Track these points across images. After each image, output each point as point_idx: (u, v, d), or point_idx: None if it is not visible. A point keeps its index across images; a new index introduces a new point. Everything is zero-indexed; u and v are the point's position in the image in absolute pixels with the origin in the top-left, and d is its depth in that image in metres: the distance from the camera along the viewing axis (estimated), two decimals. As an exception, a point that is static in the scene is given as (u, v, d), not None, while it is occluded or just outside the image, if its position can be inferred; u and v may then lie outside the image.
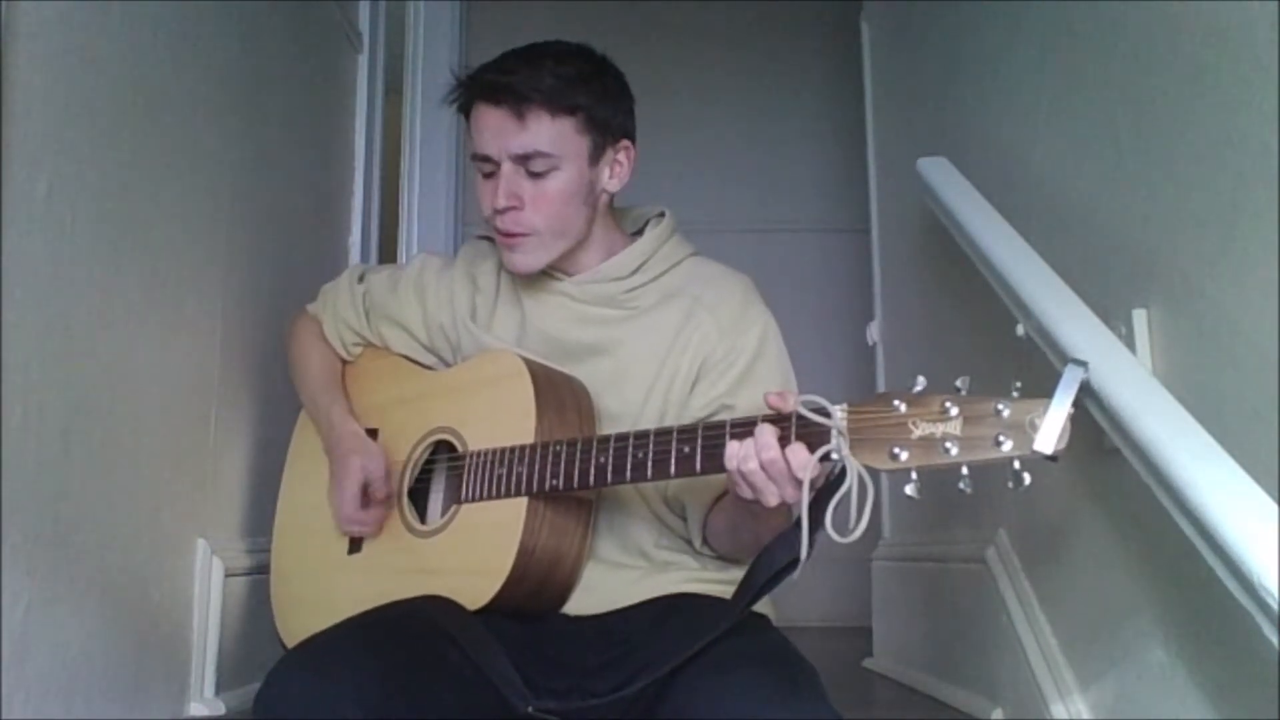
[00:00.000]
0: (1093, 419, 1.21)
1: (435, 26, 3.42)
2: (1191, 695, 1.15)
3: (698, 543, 1.28)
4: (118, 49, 1.42)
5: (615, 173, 1.32)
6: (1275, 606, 0.89)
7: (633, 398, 1.29)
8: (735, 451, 1.02)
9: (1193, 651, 1.16)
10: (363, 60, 2.58)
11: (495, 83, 1.25)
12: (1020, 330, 1.44)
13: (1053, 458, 0.89)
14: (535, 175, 1.26)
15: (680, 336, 1.30)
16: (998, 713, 1.67)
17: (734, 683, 0.98)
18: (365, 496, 1.33)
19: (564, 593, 1.24)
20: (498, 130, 1.25)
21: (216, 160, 1.74)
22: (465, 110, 1.31)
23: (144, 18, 1.49)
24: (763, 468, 1.00)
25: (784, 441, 1.00)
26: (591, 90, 1.27)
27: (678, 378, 1.29)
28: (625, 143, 1.32)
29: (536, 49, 1.29)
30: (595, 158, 1.29)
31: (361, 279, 1.50)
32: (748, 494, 1.03)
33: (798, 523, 0.99)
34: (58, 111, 1.27)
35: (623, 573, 1.27)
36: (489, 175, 1.28)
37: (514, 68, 1.26)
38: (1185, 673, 1.17)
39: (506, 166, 1.25)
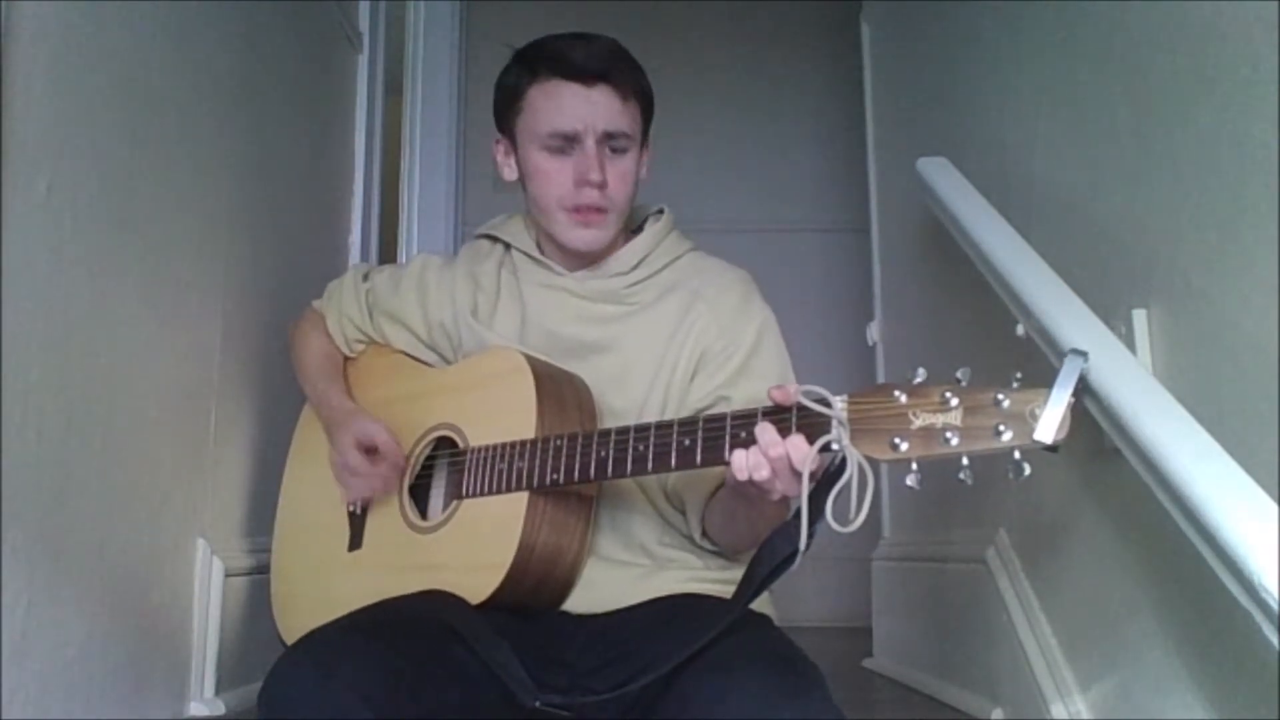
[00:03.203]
0: (1093, 419, 1.21)
1: (435, 26, 3.43)
2: (1191, 695, 1.15)
3: (697, 535, 1.28)
4: (118, 49, 1.42)
5: (644, 164, 1.38)
6: (1275, 607, 0.89)
7: (636, 394, 1.29)
8: (744, 463, 1.01)
9: (1193, 651, 1.16)
10: (363, 60, 2.59)
11: (597, 66, 1.28)
12: (1020, 330, 1.44)
13: (1053, 448, 0.89)
14: (615, 153, 1.30)
15: (679, 330, 1.31)
16: (998, 713, 1.67)
17: (738, 682, 0.98)
18: (371, 456, 1.32)
19: (565, 589, 1.24)
20: (592, 106, 1.28)
21: (216, 160, 1.74)
22: (520, 86, 1.32)
23: (144, 18, 1.49)
24: (772, 467, 1.00)
25: (784, 433, 1.00)
26: (647, 81, 1.35)
27: (677, 370, 1.30)
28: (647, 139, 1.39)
29: (592, 36, 1.32)
30: (642, 145, 1.35)
31: (366, 277, 1.52)
32: (753, 491, 1.03)
33: (798, 514, 0.99)
34: (58, 111, 1.27)
35: (624, 570, 1.27)
36: (561, 151, 1.30)
37: (600, 53, 1.29)
38: (1185, 673, 1.17)
39: (591, 143, 1.28)
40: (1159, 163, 1.23)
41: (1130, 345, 1.25)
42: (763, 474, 1.00)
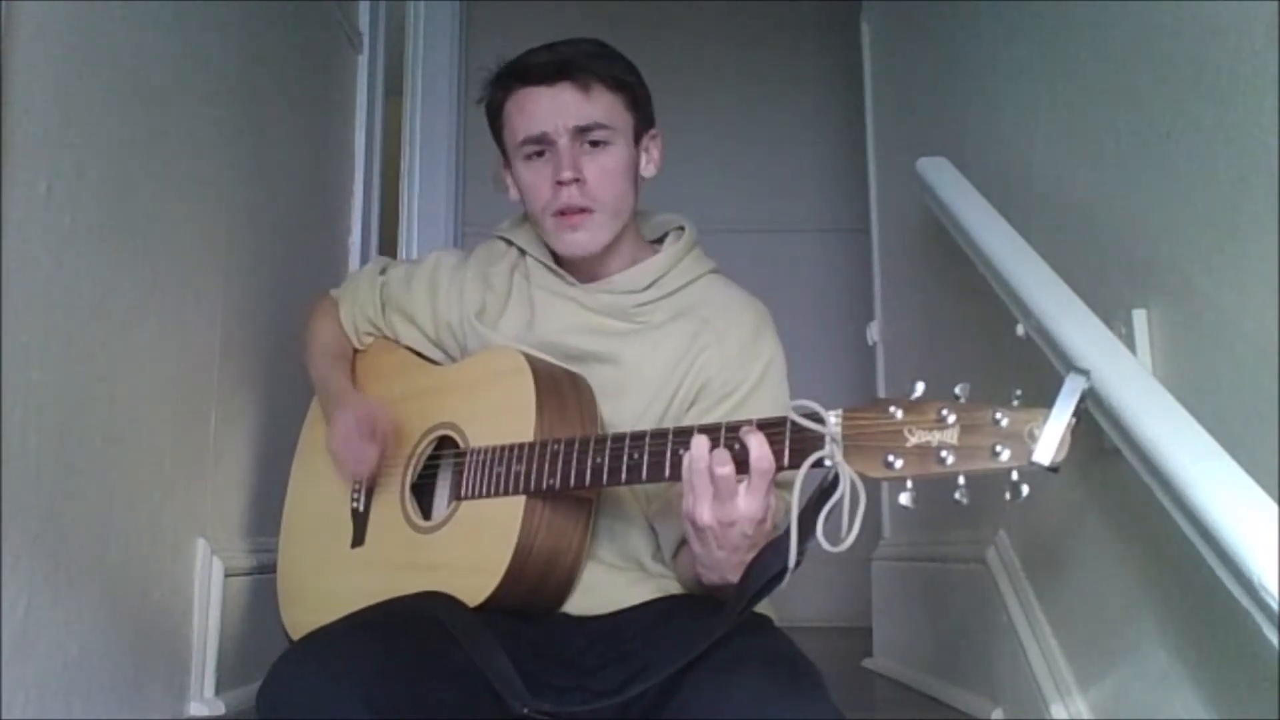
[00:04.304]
0: (1093, 419, 1.21)
1: (435, 26, 3.42)
2: (1191, 695, 1.15)
3: (672, 571, 1.28)
4: (118, 49, 1.42)
5: (650, 158, 1.36)
6: (1275, 607, 0.89)
7: (629, 410, 1.28)
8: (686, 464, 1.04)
9: (1193, 651, 1.16)
10: (363, 60, 2.59)
11: (553, 62, 1.27)
12: (1020, 330, 1.44)
13: (1052, 469, 0.86)
14: (593, 147, 1.28)
15: (685, 358, 1.30)
16: (998, 713, 1.67)
17: (738, 683, 0.98)
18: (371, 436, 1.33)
19: (563, 592, 1.24)
20: (556, 105, 1.27)
21: (216, 160, 1.74)
22: (496, 104, 1.32)
23: (144, 18, 1.49)
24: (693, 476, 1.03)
25: (776, 447, 1.00)
26: (632, 73, 1.32)
27: (677, 397, 1.29)
28: (655, 130, 1.37)
29: (565, 41, 1.31)
30: (637, 138, 1.33)
31: (384, 271, 1.52)
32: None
33: (789, 530, 0.98)
34: (58, 111, 1.27)
35: (622, 575, 1.27)
36: (538, 157, 1.29)
37: (564, 52, 1.28)
38: (1185, 673, 1.17)
39: (564, 141, 1.27)
40: (1159, 163, 1.23)
41: (1130, 345, 1.25)
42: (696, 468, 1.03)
